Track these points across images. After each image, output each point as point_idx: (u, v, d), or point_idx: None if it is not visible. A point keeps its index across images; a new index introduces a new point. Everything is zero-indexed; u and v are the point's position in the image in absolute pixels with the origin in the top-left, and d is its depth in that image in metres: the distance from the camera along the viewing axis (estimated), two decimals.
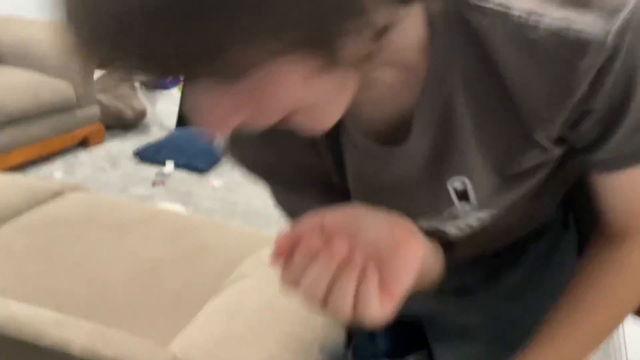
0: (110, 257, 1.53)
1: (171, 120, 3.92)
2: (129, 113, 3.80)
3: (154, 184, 3.11)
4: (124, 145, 3.63)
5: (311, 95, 0.44)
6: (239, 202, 2.93)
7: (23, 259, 1.49)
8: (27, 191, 1.83)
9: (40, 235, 1.59)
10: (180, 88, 3.86)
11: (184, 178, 3.20)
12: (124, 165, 3.35)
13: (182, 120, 3.76)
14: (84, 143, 3.53)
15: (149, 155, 3.40)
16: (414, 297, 0.51)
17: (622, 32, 0.47)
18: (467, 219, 0.64)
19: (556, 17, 0.47)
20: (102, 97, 3.68)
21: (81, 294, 1.38)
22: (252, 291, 1.19)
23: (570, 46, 0.47)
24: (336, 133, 0.60)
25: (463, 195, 0.60)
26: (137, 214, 1.78)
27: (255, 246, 1.57)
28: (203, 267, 1.51)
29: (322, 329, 1.18)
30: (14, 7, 3.95)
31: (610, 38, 0.47)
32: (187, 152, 3.36)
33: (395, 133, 0.57)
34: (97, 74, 3.71)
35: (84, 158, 3.41)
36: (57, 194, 1.84)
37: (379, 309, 0.46)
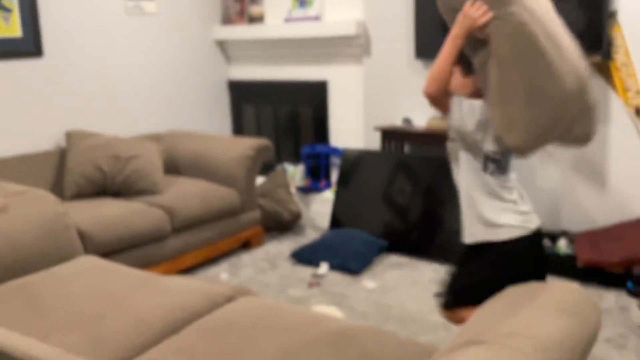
0: None
1: (324, 222, 4.08)
2: (286, 215, 4.03)
3: (309, 285, 3.22)
4: (282, 247, 3.83)
5: None
6: (394, 305, 2.93)
7: None
8: (203, 295, 1.99)
9: (217, 339, 1.71)
10: (333, 191, 4.04)
11: (338, 279, 3.28)
12: (281, 266, 3.51)
13: (335, 222, 3.91)
14: (246, 245, 3.78)
15: (305, 256, 3.55)
16: None
17: None
18: None
19: None
20: (262, 202, 3.96)
21: None
22: None
23: None
24: None
25: None
26: (300, 318, 1.85)
27: (418, 357, 1.57)
28: None
29: None
30: (187, 122, 4.46)
31: None
32: (340, 253, 3.45)
33: None
34: (259, 180, 4.02)
35: (246, 259, 3.64)
36: (230, 298, 1.99)
37: None
